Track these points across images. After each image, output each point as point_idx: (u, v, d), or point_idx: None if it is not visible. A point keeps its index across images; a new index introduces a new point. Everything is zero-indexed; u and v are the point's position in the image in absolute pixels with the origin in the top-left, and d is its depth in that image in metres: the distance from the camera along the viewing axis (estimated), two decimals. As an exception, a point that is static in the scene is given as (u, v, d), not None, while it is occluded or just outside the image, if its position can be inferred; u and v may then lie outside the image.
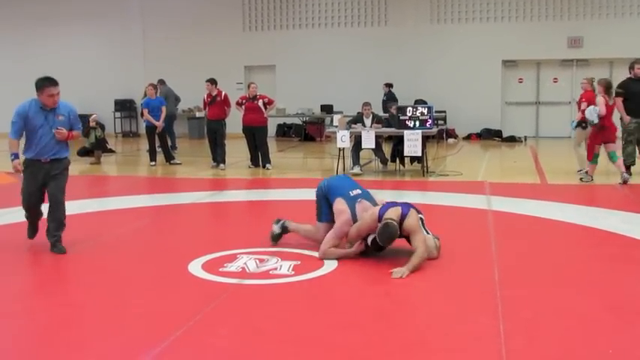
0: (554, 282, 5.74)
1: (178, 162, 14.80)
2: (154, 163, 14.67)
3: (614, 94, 11.83)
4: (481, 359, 4.19)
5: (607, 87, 11.75)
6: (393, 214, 6.18)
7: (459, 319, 4.83)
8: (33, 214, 7.06)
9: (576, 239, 7.39)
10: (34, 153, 6.73)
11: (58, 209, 6.77)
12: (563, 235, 7.57)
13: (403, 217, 6.21)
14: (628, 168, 12.14)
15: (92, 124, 15.11)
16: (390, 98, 19.20)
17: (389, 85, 20.43)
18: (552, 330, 4.60)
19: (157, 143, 14.91)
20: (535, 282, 5.75)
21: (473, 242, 6.55)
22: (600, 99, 11.66)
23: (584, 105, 12.10)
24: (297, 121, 22.19)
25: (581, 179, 11.78)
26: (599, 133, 11.58)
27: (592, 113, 11.56)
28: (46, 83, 6.62)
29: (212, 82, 14.29)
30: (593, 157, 11.76)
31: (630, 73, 12.40)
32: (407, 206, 6.37)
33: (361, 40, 22.11)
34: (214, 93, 14.22)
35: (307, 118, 21.84)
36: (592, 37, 20.70)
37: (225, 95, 14.30)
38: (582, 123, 12.30)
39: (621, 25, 20.53)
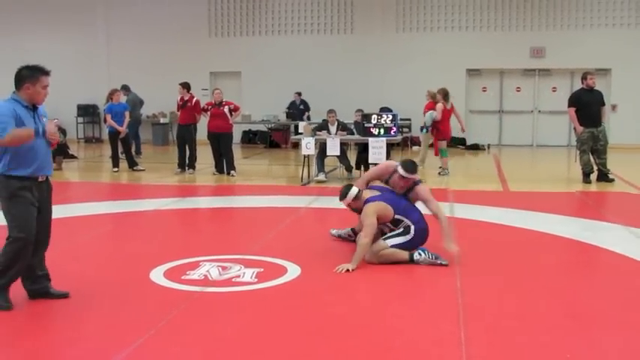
0: (515, 288, 5.81)
1: (142, 168, 14.68)
2: (116, 169, 14.54)
3: (450, 101, 14.02)
4: (442, 366, 4.21)
5: (445, 95, 13.97)
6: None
7: (420, 326, 4.86)
8: (29, 256, 5.23)
9: (537, 246, 7.47)
10: (32, 169, 5.11)
11: (47, 243, 5.41)
12: (524, 242, 7.64)
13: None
14: (587, 175, 12.40)
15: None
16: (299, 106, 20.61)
17: (299, 94, 21.17)
18: (512, 336, 4.65)
19: (120, 149, 14.80)
20: (496, 288, 5.81)
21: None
22: (439, 105, 13.86)
23: (429, 113, 14.10)
24: (263, 127, 22.16)
25: (439, 174, 13.65)
26: (436, 134, 13.96)
27: (428, 118, 14.00)
28: (40, 72, 5.15)
29: (183, 86, 14.24)
30: (440, 152, 13.98)
31: (583, 83, 12.68)
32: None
33: (328, 47, 22.18)
34: (186, 97, 14.16)
35: (272, 125, 21.82)
36: (554, 47, 21.03)
37: (197, 101, 14.23)
38: (423, 128, 14.53)
39: (582, 36, 20.90)
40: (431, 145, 14.67)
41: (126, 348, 4.37)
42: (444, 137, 14.05)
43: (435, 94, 14.50)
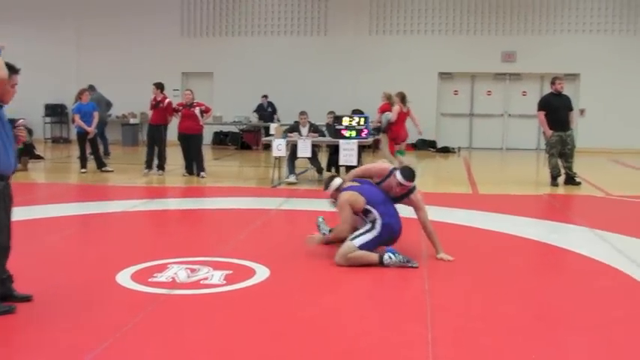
0: (483, 290, 5.84)
1: (110, 169, 14.55)
2: (84, 170, 14.38)
3: (407, 104, 14.38)
4: (408, 368, 4.22)
5: (402, 98, 14.30)
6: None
7: (388, 328, 4.86)
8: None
9: (505, 248, 7.52)
10: (5, 167, 4.99)
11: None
12: (492, 244, 7.69)
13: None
14: (555, 179, 12.55)
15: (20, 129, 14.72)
16: (266, 109, 20.87)
17: (265, 97, 21.29)
18: (479, 337, 4.67)
19: (89, 150, 14.66)
20: (464, 290, 5.84)
21: (404, 251, 6.60)
22: (396, 107, 14.19)
23: (385, 115, 14.52)
24: (234, 129, 22.09)
25: None
26: (392, 135, 14.19)
27: (384, 119, 14.38)
28: (11, 70, 4.99)
29: (157, 86, 14.15)
30: (394, 152, 14.16)
31: (552, 88, 12.83)
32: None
33: (301, 49, 22.19)
34: (159, 98, 14.08)
35: (244, 127, 21.77)
36: (525, 52, 21.27)
37: (169, 103, 14.14)
38: (379, 129, 14.79)
39: (552, 41, 21.17)
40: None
41: (90, 352, 4.31)
42: (397, 139, 14.31)
43: (390, 95, 14.89)
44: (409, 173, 6.78)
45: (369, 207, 6.62)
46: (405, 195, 6.84)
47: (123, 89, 20.73)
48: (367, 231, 6.59)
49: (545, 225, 8.97)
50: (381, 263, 6.38)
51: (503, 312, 5.23)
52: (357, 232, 6.62)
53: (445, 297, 5.59)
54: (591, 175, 13.72)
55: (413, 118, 14.64)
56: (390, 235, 6.64)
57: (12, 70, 5.06)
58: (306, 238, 7.04)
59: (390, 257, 6.39)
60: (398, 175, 6.74)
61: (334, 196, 6.95)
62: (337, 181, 6.98)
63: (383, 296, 5.74)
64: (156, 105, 14.08)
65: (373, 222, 6.61)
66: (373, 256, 6.44)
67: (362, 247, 6.50)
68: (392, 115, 14.18)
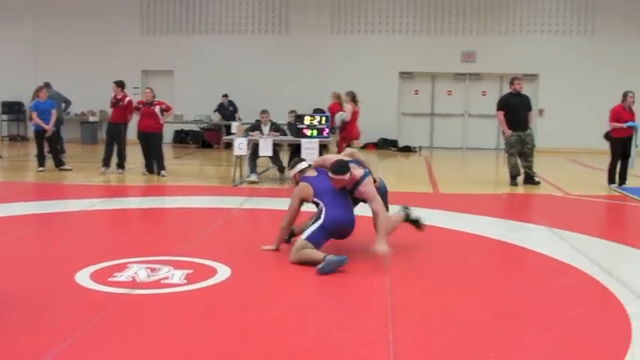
0: (443, 288, 5.88)
1: (69, 168, 14.35)
2: (42, 168, 14.16)
3: (358, 103, 14.76)
4: (370, 366, 4.23)
5: (352, 97, 14.74)
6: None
7: (350, 327, 4.87)
8: None
9: (465, 246, 7.59)
10: None
11: None
12: (452, 242, 7.75)
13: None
14: (514, 178, 12.70)
15: None
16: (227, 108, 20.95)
17: (226, 96, 21.25)
18: (439, 335, 4.70)
19: (47, 148, 14.44)
20: (424, 289, 5.88)
21: (365, 250, 6.62)
22: (348, 107, 14.56)
23: (339, 114, 14.71)
24: (195, 127, 21.96)
25: None
26: (344, 134, 14.52)
27: (337, 119, 14.53)
28: None
29: (117, 84, 14.00)
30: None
31: (510, 88, 12.98)
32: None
33: (262, 48, 22.14)
34: (119, 96, 13.92)
35: (205, 125, 21.64)
36: (484, 52, 21.49)
37: (129, 101, 14.00)
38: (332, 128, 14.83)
39: (511, 42, 21.43)
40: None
41: (49, 353, 4.24)
42: (351, 137, 14.59)
43: (339, 95, 15.29)
44: (336, 166, 6.67)
45: (316, 199, 6.68)
46: (354, 187, 6.84)
47: (82, 87, 20.46)
48: (314, 222, 6.64)
49: (504, 224, 9.07)
50: (322, 261, 6.20)
51: (463, 310, 5.27)
52: (308, 225, 6.69)
53: (406, 295, 5.62)
54: (550, 175, 13.92)
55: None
56: (335, 226, 6.59)
57: None
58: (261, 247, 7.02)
59: (322, 267, 6.15)
60: (330, 169, 6.73)
61: (296, 178, 7.03)
62: (302, 165, 7.08)
63: (344, 295, 5.75)
64: (116, 103, 13.93)
65: (320, 212, 6.64)
66: (318, 256, 6.29)
67: (309, 238, 6.48)
68: (346, 115, 14.53)
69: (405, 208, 7.46)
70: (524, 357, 4.44)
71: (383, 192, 7.15)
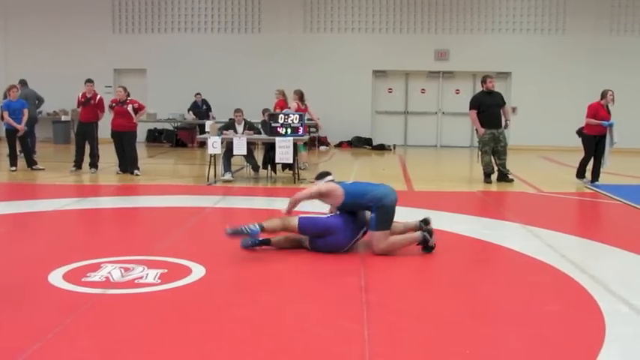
0: (418, 286, 5.92)
1: (41, 167, 14.20)
2: (14, 168, 14.00)
3: (305, 101, 15.27)
4: (345, 364, 4.23)
5: (300, 96, 15.23)
6: None
7: (324, 325, 4.86)
8: None
9: (439, 244, 7.59)
10: None
11: None
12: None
13: None
14: (488, 176, 12.78)
15: None
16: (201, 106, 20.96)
17: (199, 94, 21.22)
18: (414, 333, 4.72)
19: (19, 147, 14.28)
20: (399, 287, 5.90)
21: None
22: (294, 104, 15.02)
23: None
24: (169, 126, 21.84)
25: (301, 168, 13.89)
26: None
27: None
28: None
29: (91, 82, 13.93)
30: (298, 148, 13.90)
31: (483, 86, 13.04)
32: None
33: (235, 46, 22.08)
34: (89, 95, 13.81)
35: (178, 124, 21.53)
36: (457, 50, 21.61)
37: (100, 99, 13.91)
38: None
39: (484, 40, 21.59)
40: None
41: (22, 353, 4.19)
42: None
43: (283, 92, 15.99)
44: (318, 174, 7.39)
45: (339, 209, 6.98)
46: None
47: (54, 86, 20.24)
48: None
49: (478, 221, 9.12)
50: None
51: (438, 308, 5.29)
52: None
53: (381, 293, 5.64)
54: (523, 172, 14.03)
55: (311, 114, 15.53)
56: (332, 235, 6.80)
57: None
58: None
59: None
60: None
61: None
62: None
63: (319, 293, 5.74)
64: (86, 102, 13.81)
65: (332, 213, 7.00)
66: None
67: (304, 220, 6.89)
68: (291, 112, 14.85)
69: (425, 225, 7.29)
70: (499, 353, 4.47)
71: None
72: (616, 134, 12.64)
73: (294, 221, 6.85)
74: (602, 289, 5.76)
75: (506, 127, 13.03)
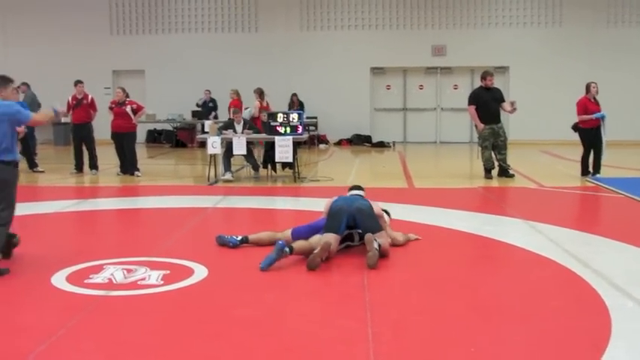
0: (421, 284, 5.91)
1: (41, 170, 14.19)
2: (15, 170, 13.97)
3: (265, 99, 15.97)
4: (350, 363, 4.23)
5: (260, 93, 15.91)
6: None
7: (327, 324, 4.87)
8: None
9: (442, 241, 7.62)
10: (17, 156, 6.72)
11: None
12: (429, 237, 7.75)
13: None
14: (489, 171, 12.76)
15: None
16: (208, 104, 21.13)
17: (209, 92, 21.24)
18: (419, 331, 4.72)
19: (19, 149, 14.24)
20: (402, 284, 5.90)
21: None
22: (256, 103, 15.80)
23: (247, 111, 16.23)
24: (168, 127, 21.83)
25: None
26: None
27: (246, 114, 15.70)
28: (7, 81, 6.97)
29: (81, 82, 13.93)
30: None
31: (482, 82, 13.02)
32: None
33: (232, 45, 22.05)
34: (80, 96, 13.79)
35: (178, 124, 21.52)
36: (455, 45, 21.58)
37: (92, 99, 13.90)
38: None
39: (481, 34, 21.55)
40: None
41: (27, 355, 4.20)
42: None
43: (237, 91, 17.23)
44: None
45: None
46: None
47: (52, 88, 20.10)
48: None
49: (480, 217, 9.11)
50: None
51: (440, 305, 5.29)
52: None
53: (383, 292, 5.64)
54: (523, 167, 14.02)
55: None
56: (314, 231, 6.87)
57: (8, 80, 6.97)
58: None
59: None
60: None
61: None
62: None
63: (322, 292, 5.74)
64: (78, 103, 13.78)
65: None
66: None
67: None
68: (254, 110, 15.89)
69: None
70: (504, 350, 4.46)
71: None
72: (605, 129, 12.68)
73: (287, 233, 6.92)
74: (606, 284, 5.75)
75: (512, 111, 13.08)
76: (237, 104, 16.41)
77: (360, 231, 6.75)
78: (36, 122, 7.20)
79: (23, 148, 14.21)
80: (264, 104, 15.88)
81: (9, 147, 6.52)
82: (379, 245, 6.48)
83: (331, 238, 6.49)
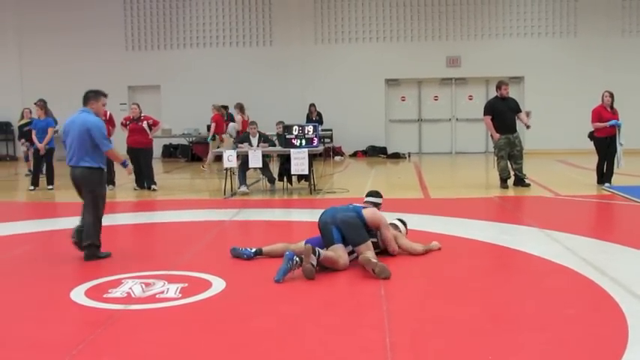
0: (438, 293, 5.90)
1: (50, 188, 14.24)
2: (33, 187, 14.08)
3: (246, 113, 17.14)
4: (368, 373, 4.24)
5: (240, 108, 17.23)
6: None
7: (346, 334, 4.87)
8: None
9: (458, 251, 7.61)
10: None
11: None
12: (446, 247, 7.74)
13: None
14: (504, 181, 12.73)
15: None
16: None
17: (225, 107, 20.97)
18: (437, 340, 4.72)
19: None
20: (419, 294, 5.90)
21: (356, 260, 6.65)
22: (238, 117, 17.06)
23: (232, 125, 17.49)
24: (184, 141, 21.94)
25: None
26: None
27: (231, 129, 17.11)
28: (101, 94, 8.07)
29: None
30: None
31: (497, 92, 13.01)
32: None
33: (247, 59, 22.19)
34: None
35: (194, 139, 21.63)
36: (469, 56, 21.60)
37: (110, 115, 13.99)
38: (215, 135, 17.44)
39: (495, 45, 21.57)
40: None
41: (46, 371, 4.24)
42: None
43: (219, 107, 17.92)
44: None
45: None
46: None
47: (68, 104, 20.27)
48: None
49: (496, 227, 9.10)
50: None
51: (459, 314, 5.28)
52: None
53: (401, 301, 5.65)
54: (539, 177, 13.98)
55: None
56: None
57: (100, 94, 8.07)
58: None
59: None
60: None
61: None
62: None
63: (339, 303, 5.75)
64: None
65: None
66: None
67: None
68: (237, 125, 17.06)
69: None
70: (522, 359, 4.45)
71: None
72: (622, 136, 12.63)
73: (301, 244, 6.91)
74: (623, 292, 5.72)
75: (528, 127, 13.10)
76: (218, 118, 17.36)
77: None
78: (110, 155, 7.84)
79: (46, 165, 14.33)
80: (245, 118, 16.93)
81: (83, 156, 7.76)
82: (374, 257, 6.52)
83: (339, 250, 6.59)
